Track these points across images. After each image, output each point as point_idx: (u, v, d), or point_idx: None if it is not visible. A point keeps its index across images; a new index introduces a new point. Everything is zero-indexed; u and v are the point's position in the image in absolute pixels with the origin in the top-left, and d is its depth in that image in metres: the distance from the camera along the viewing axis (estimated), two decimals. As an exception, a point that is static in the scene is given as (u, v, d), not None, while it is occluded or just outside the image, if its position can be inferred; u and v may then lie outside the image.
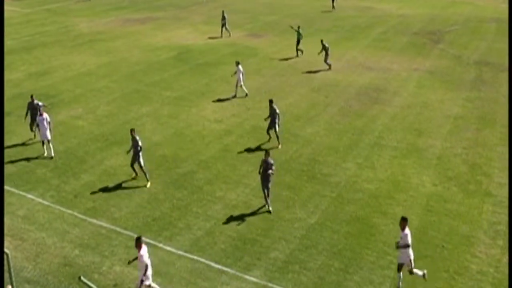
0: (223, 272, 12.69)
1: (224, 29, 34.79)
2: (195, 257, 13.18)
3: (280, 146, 18.96)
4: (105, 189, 16.08)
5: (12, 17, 41.19)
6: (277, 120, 18.84)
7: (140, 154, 16.18)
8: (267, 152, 14.93)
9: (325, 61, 27.83)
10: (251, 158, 18.24)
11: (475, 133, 20.25)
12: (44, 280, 12.25)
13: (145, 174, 16.38)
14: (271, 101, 19.01)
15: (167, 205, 15.40)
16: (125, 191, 16.04)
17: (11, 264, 10.40)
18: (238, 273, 12.64)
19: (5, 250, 10.28)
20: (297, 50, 30.18)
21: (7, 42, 33.32)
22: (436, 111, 22.38)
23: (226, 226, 14.46)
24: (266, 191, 14.92)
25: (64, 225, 14.36)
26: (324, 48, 27.75)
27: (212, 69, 28.00)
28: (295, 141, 19.60)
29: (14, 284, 10.90)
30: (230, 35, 34.63)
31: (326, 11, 43.74)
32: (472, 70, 28.05)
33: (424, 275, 12.29)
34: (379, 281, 12.48)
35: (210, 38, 34.36)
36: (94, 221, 14.52)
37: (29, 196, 15.71)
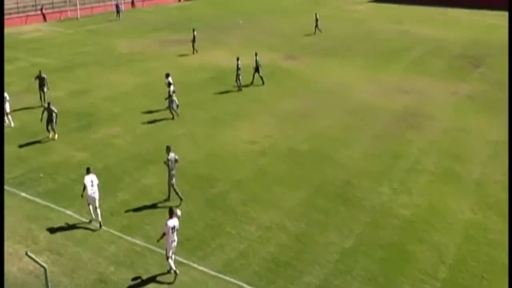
0: (255, 294, 12.72)
1: (193, 46, 36.25)
2: (228, 278, 13.27)
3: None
4: (141, 208, 16.43)
5: (56, 37, 42.91)
6: None
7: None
8: (168, 147, 16.51)
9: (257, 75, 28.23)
10: (285, 180, 18.33)
11: (517, 160, 19.80)
12: (80, 295, 12.55)
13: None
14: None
15: (201, 225, 15.60)
16: (160, 209, 16.34)
17: (49, 279, 10.72)
18: (270, 296, 12.64)
19: (43, 264, 10.61)
20: (254, 76, 29.12)
21: (50, 62, 34.70)
22: (475, 136, 22.02)
23: (259, 247, 14.53)
24: (172, 186, 16.39)
25: (100, 241, 14.71)
26: (257, 63, 28.50)
27: (247, 90, 28.37)
28: (330, 164, 19.61)
29: (52, 298, 11.23)
30: (195, 52, 36.03)
31: (362, 34, 43.85)
32: (514, 95, 27.51)
33: None
34: (415, 310, 12.26)
35: (245, 59, 34.84)
36: (129, 238, 14.83)
37: (67, 212, 16.19)
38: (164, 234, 13.04)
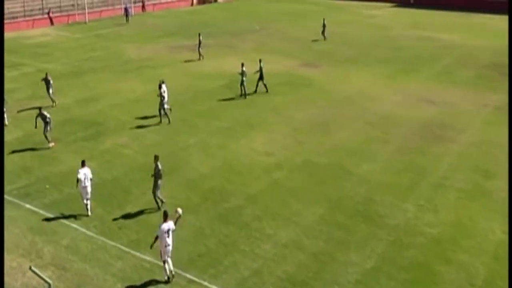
0: (270, 316, 12.64)
1: (199, 51, 36.67)
2: (241, 298, 13.21)
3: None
4: (150, 221, 16.46)
5: (63, 42, 43.51)
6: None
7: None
8: (156, 156, 16.97)
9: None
10: (302, 194, 18.27)
11: (551, 176, 19.52)
12: (86, 314, 12.57)
13: (157, 201, 17.09)
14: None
15: (213, 241, 15.58)
16: (170, 224, 16.34)
17: (54, 295, 10.77)
18: (286, 318, 12.55)
19: (48, 280, 10.67)
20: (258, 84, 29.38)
21: (57, 67, 35.16)
22: (505, 150, 21.77)
23: (275, 266, 14.45)
24: (156, 195, 16.90)
25: (107, 256, 14.76)
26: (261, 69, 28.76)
27: (263, 99, 28.45)
28: (350, 178, 19.51)
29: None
30: (202, 57, 36.57)
31: (383, 40, 43.81)
32: (547, 106, 27.20)
33: None
34: (442, 336, 12.07)
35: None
36: (138, 254, 14.85)
37: (73, 225, 16.29)
38: (157, 238, 13.48)
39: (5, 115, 24.25)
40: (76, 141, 22.68)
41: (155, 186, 17.09)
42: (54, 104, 27.02)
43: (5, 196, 17.86)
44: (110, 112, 26.35)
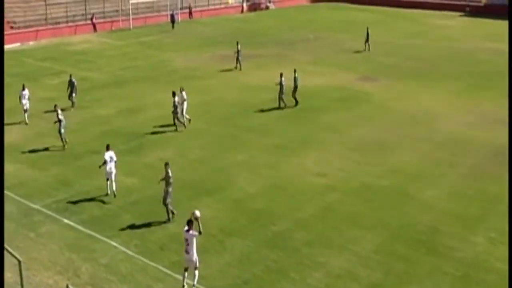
0: None
1: (237, 61, 37.86)
2: (290, 331, 13.31)
3: None
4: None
5: (106, 49, 45.22)
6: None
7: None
8: (166, 163, 17.95)
9: None
10: (359, 220, 18.26)
11: None
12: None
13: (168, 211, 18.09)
14: None
15: (260, 267, 15.78)
16: (215, 247, 16.69)
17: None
18: None
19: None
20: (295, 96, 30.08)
21: (99, 76, 36.56)
22: None
23: (327, 298, 14.49)
24: (167, 204, 17.80)
25: (148, 278, 15.20)
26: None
27: (318, 115, 28.64)
28: (413, 205, 19.36)
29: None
30: (240, 68, 37.85)
31: (454, 53, 43.26)
32: None
33: None
34: None
35: (316, 79, 35.28)
36: (179, 277, 15.18)
37: (112, 243, 16.86)
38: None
39: (25, 114, 27.23)
40: (118, 154, 23.09)
41: (167, 194, 17.90)
42: (73, 108, 29.15)
43: (44, 210, 18.72)
44: (153, 124, 27.12)
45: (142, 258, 16.06)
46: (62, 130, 23.88)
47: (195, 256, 14.60)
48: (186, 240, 14.55)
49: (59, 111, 23.97)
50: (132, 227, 17.75)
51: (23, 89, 27.45)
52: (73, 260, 15.92)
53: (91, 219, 18.23)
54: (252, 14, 65.14)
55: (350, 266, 15.82)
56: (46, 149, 24.09)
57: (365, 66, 39.13)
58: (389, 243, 16.97)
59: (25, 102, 27.29)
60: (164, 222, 18.00)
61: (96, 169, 21.76)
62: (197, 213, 14.90)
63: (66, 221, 18.10)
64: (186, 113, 26.87)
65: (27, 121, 27.23)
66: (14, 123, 26.96)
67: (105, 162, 19.46)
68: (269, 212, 18.83)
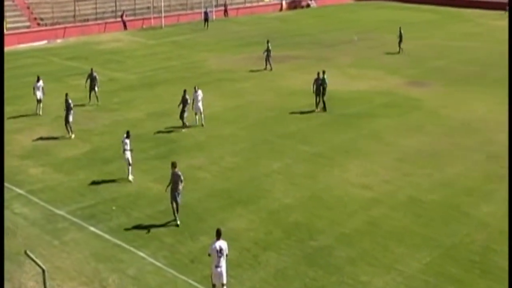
0: None
1: (267, 61, 38.59)
2: None
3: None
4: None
5: (135, 48, 45.93)
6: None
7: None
8: (173, 163, 18.64)
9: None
10: (405, 237, 18.01)
11: None
12: None
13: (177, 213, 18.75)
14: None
15: (297, 285, 15.69)
16: (249, 261, 16.67)
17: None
18: None
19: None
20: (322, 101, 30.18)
21: (129, 77, 37.10)
22: None
23: (370, 320, 14.32)
24: (175, 205, 18.53)
25: (177, 292, 15.29)
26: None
27: (361, 122, 28.45)
28: (466, 222, 19.01)
29: None
30: (270, 68, 38.57)
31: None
32: None
33: None
34: None
35: (359, 84, 35.09)
36: (211, 292, 15.23)
37: (140, 253, 17.01)
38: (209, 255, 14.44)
39: (40, 104, 29.17)
40: (147, 159, 23.76)
41: (176, 191, 18.52)
42: (98, 103, 30.71)
43: (69, 216, 19.03)
44: (184, 129, 27.31)
45: (172, 271, 16.15)
46: (71, 119, 25.89)
47: (225, 271, 14.51)
48: (219, 251, 14.34)
49: (70, 100, 26.01)
50: (161, 237, 17.89)
51: (38, 81, 29.10)
52: (99, 271, 16.11)
53: (118, 227, 18.44)
54: (292, 12, 65.28)
55: (395, 286, 15.60)
56: (73, 152, 24.51)
57: (414, 70, 38.74)
58: (438, 263, 16.66)
59: (39, 94, 29.01)
60: (195, 234, 18.07)
61: (124, 175, 22.09)
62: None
63: (92, 228, 18.36)
64: (202, 113, 27.64)
65: (40, 112, 29.15)
66: (40, 125, 27.57)
67: (125, 150, 21.63)
68: (308, 225, 18.73)
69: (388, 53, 43.45)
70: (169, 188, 18.62)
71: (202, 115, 27.71)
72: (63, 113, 26.25)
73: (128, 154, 21.67)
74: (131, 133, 22.17)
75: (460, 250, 17.36)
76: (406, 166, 23.29)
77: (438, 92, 33.74)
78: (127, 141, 21.74)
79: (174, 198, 18.58)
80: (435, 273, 16.22)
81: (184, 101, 26.99)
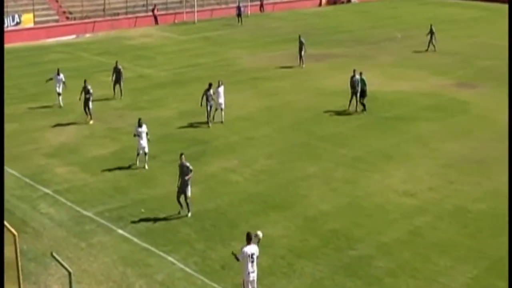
0: None
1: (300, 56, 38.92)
2: None
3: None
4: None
5: (167, 44, 46.40)
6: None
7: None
8: (181, 154, 19.46)
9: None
10: (451, 249, 17.82)
11: None
12: None
13: (187, 205, 19.38)
14: None
15: (334, 296, 15.68)
16: (283, 269, 16.70)
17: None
18: None
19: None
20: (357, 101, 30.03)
21: (159, 73, 37.49)
22: None
23: (411, 336, 14.22)
24: (183, 197, 19.11)
25: (207, 300, 15.41)
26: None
27: (404, 125, 28.25)
28: (516, 234, 18.68)
29: None
30: (302, 64, 38.94)
31: None
32: None
33: None
34: None
35: (402, 84, 34.79)
36: (243, 300, 15.30)
37: (170, 258, 17.18)
38: (238, 260, 14.56)
39: (59, 97, 30.18)
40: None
41: (184, 185, 19.20)
42: (121, 97, 31.64)
43: (96, 218, 19.34)
44: (218, 129, 27.54)
45: (202, 277, 16.27)
46: (91, 105, 27.64)
47: (256, 277, 14.61)
48: (251, 256, 14.40)
49: (89, 86, 27.63)
50: (192, 242, 18.03)
51: (58, 74, 29.96)
52: (127, 275, 16.33)
53: (147, 231, 18.66)
54: (331, 8, 65.11)
55: (439, 301, 15.48)
56: (100, 151, 24.89)
57: (462, 71, 38.29)
58: (485, 277, 16.46)
59: (60, 86, 29.97)
60: (227, 239, 18.17)
61: (154, 177, 22.32)
62: (260, 234, 14.99)
63: (120, 231, 18.61)
64: (223, 110, 28.23)
65: (61, 104, 30.23)
66: (68, 124, 28.06)
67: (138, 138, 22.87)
68: (346, 233, 18.67)
69: (433, 53, 42.98)
70: (179, 182, 19.34)
71: (223, 112, 28.11)
72: (81, 98, 27.88)
73: (143, 142, 22.84)
74: (142, 121, 23.09)
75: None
76: (452, 173, 23.03)
77: (486, 94, 33.27)
78: (140, 129, 22.81)
79: (182, 190, 19.18)
80: (481, 287, 16.00)
81: (207, 96, 27.51)
